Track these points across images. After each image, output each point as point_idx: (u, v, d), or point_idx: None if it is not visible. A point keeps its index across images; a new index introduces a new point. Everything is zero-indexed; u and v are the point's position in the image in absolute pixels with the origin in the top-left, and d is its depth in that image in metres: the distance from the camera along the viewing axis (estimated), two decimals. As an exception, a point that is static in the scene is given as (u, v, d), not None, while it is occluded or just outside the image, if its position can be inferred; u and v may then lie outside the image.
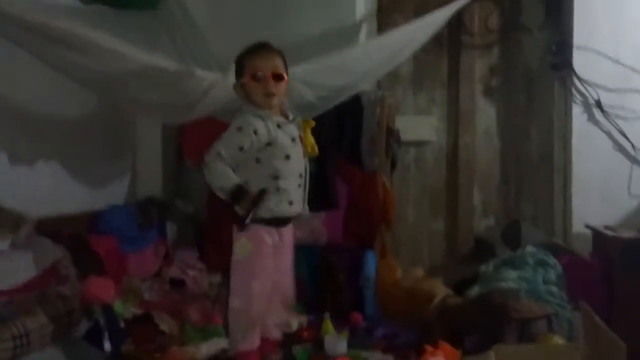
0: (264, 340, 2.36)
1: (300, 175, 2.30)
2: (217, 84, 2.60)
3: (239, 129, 2.17)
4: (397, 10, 3.90)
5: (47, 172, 3.00)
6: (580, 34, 3.51)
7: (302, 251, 3.35)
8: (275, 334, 2.47)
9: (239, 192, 2.13)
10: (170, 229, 3.40)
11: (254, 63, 2.21)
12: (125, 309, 2.80)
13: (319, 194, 3.37)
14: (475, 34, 3.81)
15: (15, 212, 2.35)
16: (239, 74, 2.26)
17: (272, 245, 2.26)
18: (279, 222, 2.28)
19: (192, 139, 3.44)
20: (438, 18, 3.24)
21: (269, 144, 2.18)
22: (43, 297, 2.30)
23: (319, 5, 3.74)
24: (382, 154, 3.44)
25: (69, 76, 2.46)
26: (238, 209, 2.16)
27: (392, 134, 3.48)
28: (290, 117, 2.32)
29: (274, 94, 2.21)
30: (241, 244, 2.24)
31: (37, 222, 2.41)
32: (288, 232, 2.36)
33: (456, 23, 3.69)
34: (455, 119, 3.87)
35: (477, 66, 3.84)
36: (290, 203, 2.26)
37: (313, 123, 2.52)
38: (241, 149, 2.16)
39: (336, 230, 3.45)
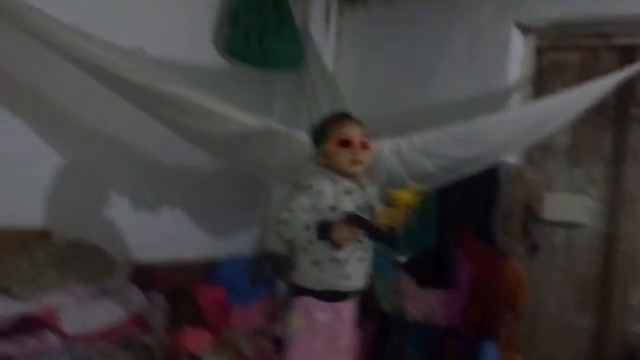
0: None
1: (363, 247, 2.12)
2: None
3: (308, 187, 2.06)
4: (557, 76, 3.53)
5: (170, 218, 3.16)
6: None
7: (415, 329, 3.15)
8: None
9: (325, 225, 1.94)
10: (282, 287, 3.36)
11: (342, 130, 2.12)
12: (216, 362, 2.79)
13: (437, 269, 3.13)
14: (648, 107, 3.29)
15: (111, 256, 2.47)
16: (320, 141, 2.16)
17: (326, 323, 2.08)
18: (333, 296, 2.10)
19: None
20: (597, 88, 2.84)
21: (332, 208, 2.04)
22: (126, 344, 2.37)
23: (467, 70, 3.55)
24: (517, 234, 3.08)
25: (179, 135, 2.56)
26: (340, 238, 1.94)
27: (531, 214, 3.11)
28: (367, 187, 2.18)
29: (361, 161, 2.11)
30: (291, 318, 2.11)
31: (132, 269, 2.50)
32: (346, 308, 2.16)
33: (625, 93, 3.21)
34: (617, 202, 3.34)
35: (648, 144, 3.29)
36: (348, 277, 2.08)
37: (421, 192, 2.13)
38: (310, 206, 2.03)
39: (455, 313, 3.14)
